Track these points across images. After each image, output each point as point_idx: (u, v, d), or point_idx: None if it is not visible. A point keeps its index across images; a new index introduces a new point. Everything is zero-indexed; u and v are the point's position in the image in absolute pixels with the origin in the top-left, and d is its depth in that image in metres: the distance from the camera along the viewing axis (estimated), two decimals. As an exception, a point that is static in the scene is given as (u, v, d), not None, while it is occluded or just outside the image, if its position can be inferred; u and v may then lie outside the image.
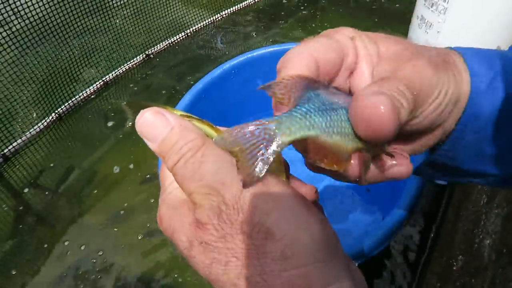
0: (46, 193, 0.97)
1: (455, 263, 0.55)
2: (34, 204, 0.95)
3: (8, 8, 0.99)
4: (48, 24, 1.06)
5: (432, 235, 0.79)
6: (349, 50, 0.24)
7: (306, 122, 0.21)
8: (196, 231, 0.20)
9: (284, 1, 1.78)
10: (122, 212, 0.92)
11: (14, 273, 0.82)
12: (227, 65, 0.84)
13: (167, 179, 0.24)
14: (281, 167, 0.25)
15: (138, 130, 0.22)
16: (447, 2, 0.84)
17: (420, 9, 0.95)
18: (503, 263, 0.39)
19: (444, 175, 0.30)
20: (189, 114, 0.24)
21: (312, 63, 0.23)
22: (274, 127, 0.20)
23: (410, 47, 0.24)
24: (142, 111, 0.22)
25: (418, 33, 0.97)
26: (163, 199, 0.23)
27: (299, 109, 0.21)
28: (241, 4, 1.71)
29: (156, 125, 0.21)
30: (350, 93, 0.26)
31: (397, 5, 1.72)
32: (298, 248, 0.19)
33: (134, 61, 1.34)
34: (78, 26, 1.15)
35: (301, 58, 0.23)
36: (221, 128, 0.25)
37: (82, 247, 0.85)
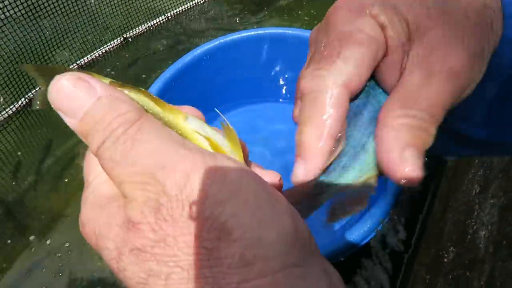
0: (14, 183, 0.91)
1: (446, 255, 0.54)
2: (3, 195, 0.89)
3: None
4: (10, 3, 0.98)
5: (419, 226, 0.78)
6: (379, 46, 0.22)
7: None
8: (126, 234, 0.16)
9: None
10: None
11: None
12: (198, 51, 0.78)
13: (92, 172, 0.19)
14: (237, 147, 0.21)
15: (51, 101, 0.17)
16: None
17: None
18: (503, 255, 0.38)
19: (459, 144, 0.29)
20: (121, 83, 0.19)
21: (341, 115, 0.22)
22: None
23: (442, 22, 0.21)
24: (57, 76, 0.17)
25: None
26: (86, 197, 0.19)
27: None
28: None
29: (77, 95, 0.17)
30: (376, 78, 0.24)
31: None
32: (262, 249, 0.15)
33: (110, 44, 1.27)
34: (49, 5, 1.07)
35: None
36: (179, 107, 0.21)
37: (67, 244, 0.80)
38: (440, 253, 0.57)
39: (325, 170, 0.22)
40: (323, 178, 0.22)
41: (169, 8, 1.44)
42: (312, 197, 0.22)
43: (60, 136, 1.01)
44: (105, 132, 0.16)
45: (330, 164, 0.22)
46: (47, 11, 1.07)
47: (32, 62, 1.06)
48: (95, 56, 1.23)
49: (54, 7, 1.09)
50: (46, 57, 1.10)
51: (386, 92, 0.23)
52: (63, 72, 0.17)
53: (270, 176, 0.22)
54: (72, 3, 1.14)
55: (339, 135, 0.22)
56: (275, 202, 0.17)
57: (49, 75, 0.18)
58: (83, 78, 0.17)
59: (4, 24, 0.98)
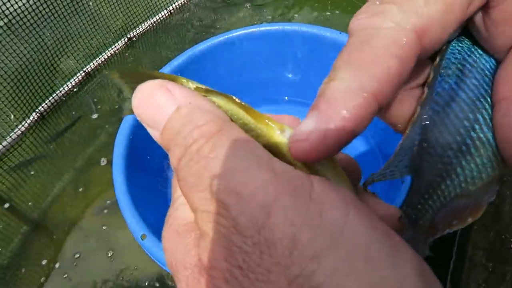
0: (37, 200, 0.89)
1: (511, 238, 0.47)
2: (29, 211, 0.87)
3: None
4: (11, 13, 0.94)
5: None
6: None
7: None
8: (198, 281, 0.13)
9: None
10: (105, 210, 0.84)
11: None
12: (200, 47, 0.71)
13: (177, 189, 0.18)
14: (339, 168, 0.16)
15: (135, 112, 0.16)
16: None
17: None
18: None
19: None
20: (209, 88, 0.17)
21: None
22: None
23: None
24: (139, 86, 0.16)
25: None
26: (168, 217, 0.17)
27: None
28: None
29: (157, 105, 0.15)
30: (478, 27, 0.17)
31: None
32: None
33: (115, 46, 1.23)
34: (46, 13, 1.03)
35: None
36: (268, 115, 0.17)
37: (109, 253, 0.78)
38: (502, 236, 0.50)
39: (420, 177, 0.16)
40: (422, 190, 0.16)
41: (170, 1, 1.38)
42: (413, 223, 0.16)
43: (75, 145, 0.98)
44: (181, 149, 0.14)
45: (425, 171, 0.16)
46: (45, 19, 1.03)
47: (38, 74, 1.03)
48: (101, 60, 1.19)
49: (52, 14, 1.05)
50: (51, 68, 1.07)
51: (492, 57, 0.17)
52: (147, 77, 0.16)
53: (387, 209, 0.17)
54: (70, 8, 1.09)
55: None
56: (396, 256, 0.11)
57: (133, 82, 0.17)
58: (165, 85, 0.15)
59: (4, 38, 0.95)
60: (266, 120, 0.16)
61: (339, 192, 0.13)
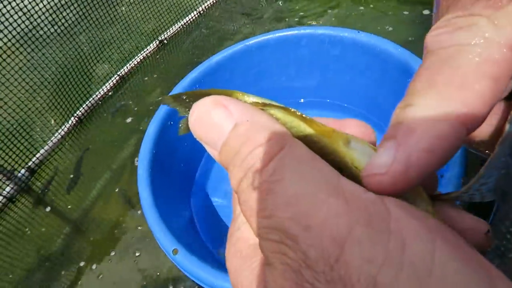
0: (77, 202, 0.92)
1: None
2: (69, 214, 0.90)
3: (4, 11, 0.91)
4: (50, 22, 0.98)
5: None
6: None
7: None
8: None
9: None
10: (139, 211, 0.85)
11: (54, 292, 0.77)
12: (217, 57, 0.68)
13: (238, 206, 0.16)
14: (417, 188, 0.14)
15: (192, 131, 0.15)
16: None
17: None
18: None
19: None
20: (267, 101, 0.16)
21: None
22: None
23: None
24: (195, 104, 0.15)
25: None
26: (230, 236, 0.16)
27: None
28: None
29: (214, 123, 0.14)
30: None
31: None
32: None
33: (147, 49, 1.25)
34: (82, 20, 1.06)
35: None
36: (322, 120, 0.16)
37: (137, 253, 0.79)
38: None
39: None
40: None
41: (199, 3, 1.39)
42: (502, 257, 0.14)
43: (111, 148, 1.00)
44: (241, 171, 0.13)
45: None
46: (81, 26, 1.06)
47: (75, 80, 1.07)
48: (134, 64, 1.21)
49: (88, 21, 1.09)
50: (87, 73, 1.10)
51: None
52: (202, 95, 0.16)
53: (470, 224, 0.14)
54: (104, 14, 1.12)
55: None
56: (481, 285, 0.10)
57: (188, 101, 0.17)
58: (220, 102, 0.15)
59: (44, 47, 0.99)
60: (330, 132, 0.15)
61: (421, 218, 0.11)
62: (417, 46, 1.02)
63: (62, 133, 1.03)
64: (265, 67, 0.73)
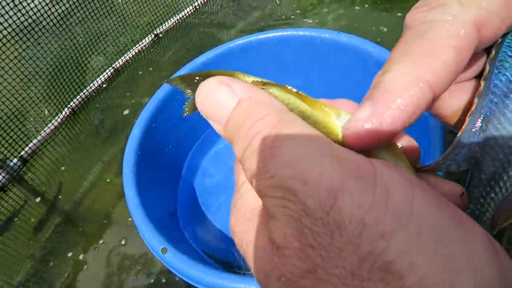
0: (69, 193, 0.92)
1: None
2: (59, 204, 0.91)
3: (4, 3, 0.91)
4: (46, 12, 0.98)
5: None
6: None
7: None
8: (271, 258, 0.14)
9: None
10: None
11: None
12: (202, 59, 0.68)
13: (241, 177, 0.18)
14: (399, 152, 0.16)
15: (199, 109, 0.17)
16: None
17: None
18: None
19: None
20: (265, 80, 0.18)
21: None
22: None
23: None
24: (201, 84, 0.17)
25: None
26: (234, 205, 0.18)
27: None
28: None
29: (219, 100, 0.16)
30: None
31: None
32: None
33: (143, 43, 1.25)
34: (78, 11, 1.06)
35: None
36: (322, 101, 0.17)
37: (123, 241, 0.80)
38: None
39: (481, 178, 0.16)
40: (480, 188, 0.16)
41: (196, -3, 1.39)
42: (477, 220, 0.16)
43: (106, 140, 1.01)
44: (245, 141, 0.15)
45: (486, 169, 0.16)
46: (77, 17, 1.06)
47: (70, 71, 1.07)
48: (128, 57, 1.21)
49: (84, 12, 1.08)
50: (82, 64, 1.10)
51: None
52: (207, 76, 0.17)
53: (450, 187, 0.17)
54: (100, 5, 1.12)
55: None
56: (464, 232, 0.12)
57: (194, 83, 0.18)
58: (224, 81, 0.16)
59: (40, 36, 0.99)
60: (322, 107, 0.17)
61: (402, 173, 0.13)
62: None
63: (56, 123, 1.03)
64: (249, 69, 0.73)
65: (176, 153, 0.74)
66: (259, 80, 0.18)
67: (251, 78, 0.18)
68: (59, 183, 0.94)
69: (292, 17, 1.29)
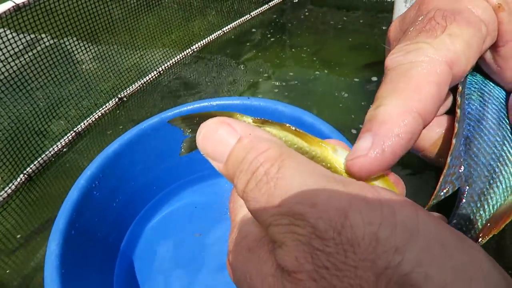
0: (22, 265, 0.83)
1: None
2: (8, 280, 0.81)
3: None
4: (6, 77, 0.96)
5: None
6: (489, 31, 0.19)
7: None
8: (283, 285, 0.14)
9: (253, 30, 1.77)
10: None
11: None
12: (114, 146, 0.61)
13: (239, 212, 0.19)
14: (390, 182, 0.18)
15: (200, 148, 0.18)
16: None
17: (401, 12, 0.92)
18: None
19: None
20: (263, 119, 0.19)
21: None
22: None
23: None
24: (202, 124, 0.18)
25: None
26: (233, 240, 0.18)
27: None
28: (212, 36, 1.68)
29: (221, 138, 0.17)
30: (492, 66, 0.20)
31: (361, 21, 1.75)
32: None
33: (106, 106, 1.25)
34: (40, 76, 1.06)
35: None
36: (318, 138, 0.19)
37: None
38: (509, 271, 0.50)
39: (459, 204, 0.17)
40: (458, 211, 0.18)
41: (160, 63, 1.44)
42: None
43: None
44: (248, 173, 0.15)
45: (459, 194, 0.17)
46: (38, 83, 1.05)
47: (28, 136, 1.03)
48: (91, 120, 1.20)
49: (46, 77, 1.08)
50: (42, 129, 1.07)
51: (501, 87, 0.19)
52: (208, 116, 0.18)
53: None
54: (64, 71, 1.13)
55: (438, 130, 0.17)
56: (467, 244, 0.13)
57: (194, 123, 0.19)
58: (225, 121, 0.17)
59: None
60: (320, 143, 0.18)
61: (404, 198, 0.14)
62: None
63: (9, 191, 0.96)
64: (165, 147, 0.68)
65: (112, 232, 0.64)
66: (258, 119, 0.19)
67: (250, 118, 0.19)
68: (11, 256, 0.85)
69: (260, 80, 1.37)
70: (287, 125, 0.18)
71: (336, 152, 0.18)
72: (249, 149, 0.16)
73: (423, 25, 0.19)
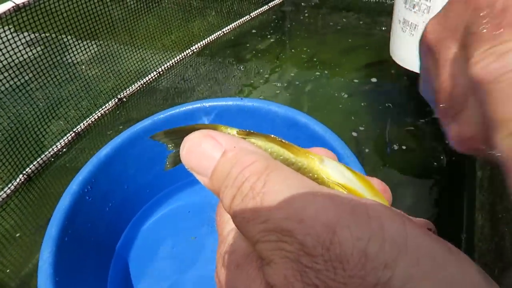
0: (21, 265, 0.83)
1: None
2: (6, 280, 0.81)
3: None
4: (6, 78, 0.96)
5: (464, 246, 0.72)
6: None
7: None
8: None
9: (253, 30, 1.77)
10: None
11: None
12: (106, 150, 0.59)
13: (226, 226, 0.18)
14: (379, 194, 0.17)
15: (184, 163, 0.17)
16: (430, 1, 0.83)
17: (401, 13, 0.93)
18: None
19: None
20: (247, 131, 0.18)
21: None
22: None
23: None
24: (186, 137, 0.17)
25: (403, 38, 0.95)
26: (220, 255, 0.17)
27: None
28: (211, 37, 1.68)
29: (205, 152, 0.16)
30: None
31: (361, 22, 1.75)
32: None
33: (106, 107, 1.25)
34: (40, 77, 1.06)
35: None
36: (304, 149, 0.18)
37: None
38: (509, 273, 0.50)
39: None
40: None
41: (160, 63, 1.44)
42: None
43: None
44: (233, 189, 0.15)
45: None
46: (38, 83, 1.05)
47: (27, 136, 1.03)
48: (91, 121, 1.20)
49: (46, 78, 1.08)
50: (41, 129, 1.07)
51: None
52: (191, 130, 0.17)
53: (418, 223, 0.17)
54: (63, 71, 1.13)
55: None
56: (456, 256, 0.12)
57: (178, 137, 0.19)
58: (209, 134, 0.17)
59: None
60: (307, 153, 0.18)
61: (392, 210, 0.14)
62: (372, 111, 1.14)
63: (8, 191, 0.96)
64: (158, 150, 0.64)
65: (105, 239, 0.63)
66: (242, 131, 0.19)
67: (234, 130, 0.19)
68: (8, 257, 0.85)
69: (261, 81, 1.37)
70: (273, 136, 0.18)
71: (322, 163, 0.18)
72: (234, 163, 0.15)
73: (498, 20, 0.15)
